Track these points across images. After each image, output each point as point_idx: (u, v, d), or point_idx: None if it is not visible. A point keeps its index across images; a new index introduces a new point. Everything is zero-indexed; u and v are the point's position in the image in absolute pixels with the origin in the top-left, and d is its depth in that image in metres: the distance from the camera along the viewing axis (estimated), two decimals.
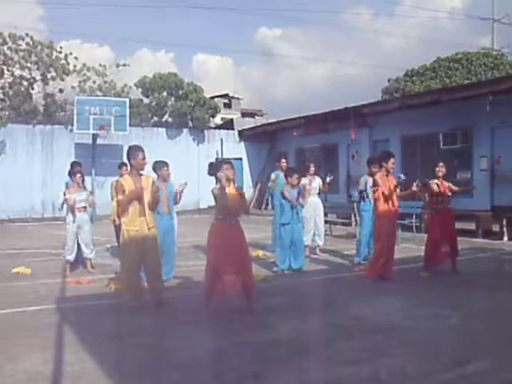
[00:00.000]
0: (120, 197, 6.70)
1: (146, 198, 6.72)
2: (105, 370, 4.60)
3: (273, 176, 10.73)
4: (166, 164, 8.42)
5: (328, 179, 11.32)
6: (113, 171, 13.62)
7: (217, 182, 6.47)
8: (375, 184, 8.46)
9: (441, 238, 8.79)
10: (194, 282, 8.20)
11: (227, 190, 6.40)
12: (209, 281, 6.44)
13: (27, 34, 25.60)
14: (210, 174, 6.65)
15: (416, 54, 68.74)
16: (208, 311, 6.48)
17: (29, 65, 25.65)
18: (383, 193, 8.30)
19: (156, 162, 8.41)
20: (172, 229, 8.44)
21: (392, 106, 18.66)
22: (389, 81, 32.94)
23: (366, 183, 9.88)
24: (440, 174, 8.88)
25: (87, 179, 12.70)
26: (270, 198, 9.58)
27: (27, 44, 25.47)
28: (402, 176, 8.76)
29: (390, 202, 8.37)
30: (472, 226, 13.61)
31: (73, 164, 10.03)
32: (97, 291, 7.86)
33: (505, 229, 13.09)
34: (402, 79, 31.99)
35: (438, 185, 8.83)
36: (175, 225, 8.74)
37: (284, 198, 9.15)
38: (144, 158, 6.79)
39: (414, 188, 8.56)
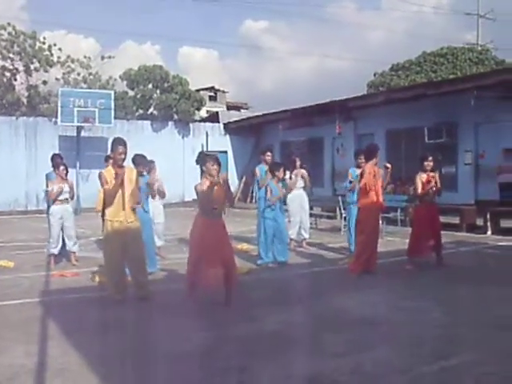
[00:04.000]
0: (106, 186, 6.68)
1: (127, 191, 6.71)
2: (89, 362, 4.58)
3: (257, 170, 10.40)
4: (145, 160, 8.41)
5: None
6: (97, 164, 13.54)
7: (202, 173, 6.51)
8: (362, 175, 8.47)
9: (425, 231, 8.83)
10: (178, 275, 8.18)
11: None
12: (190, 274, 6.56)
13: (9, 24, 25.29)
14: (196, 162, 6.70)
15: (401, 49, 69.04)
16: (193, 304, 6.48)
17: (11, 55, 25.34)
18: (368, 184, 8.29)
19: (136, 156, 8.38)
20: (148, 221, 8.38)
21: (377, 100, 18.70)
22: (374, 75, 33.05)
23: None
24: (429, 168, 8.92)
25: (71, 172, 12.61)
26: (256, 191, 9.47)
27: (9, 34, 25.14)
28: (388, 164, 8.66)
29: (375, 195, 8.37)
30: (456, 219, 13.69)
31: (53, 156, 9.95)
32: (81, 284, 7.82)
33: (488, 223, 13.17)
34: (388, 73, 32.12)
35: (423, 182, 8.84)
36: (151, 216, 8.78)
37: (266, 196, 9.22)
38: (122, 153, 6.74)
39: (388, 165, 8.53)
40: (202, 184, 6.45)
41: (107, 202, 6.77)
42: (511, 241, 11.90)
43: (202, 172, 6.60)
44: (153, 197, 8.89)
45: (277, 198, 9.18)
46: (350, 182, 10.05)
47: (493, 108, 15.58)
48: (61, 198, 9.33)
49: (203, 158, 6.70)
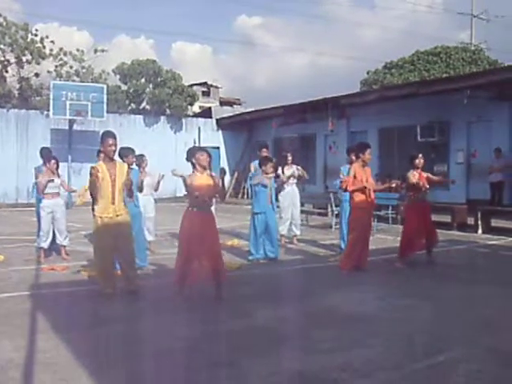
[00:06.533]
0: (96, 181, 6.63)
1: (117, 185, 6.66)
2: (78, 357, 4.55)
3: (252, 166, 10.49)
4: (132, 151, 8.33)
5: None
6: (89, 158, 13.49)
7: (193, 169, 6.52)
8: (348, 174, 8.49)
9: (417, 229, 8.85)
10: (168, 269, 8.15)
11: (200, 179, 6.45)
12: (180, 267, 6.56)
13: (0, 15, 25.13)
14: (187, 159, 6.70)
15: (395, 47, 69.16)
16: (182, 299, 6.47)
17: (2, 46, 25.15)
18: (354, 183, 8.30)
19: (122, 149, 8.27)
20: (138, 216, 8.34)
21: (370, 98, 18.73)
22: (368, 73, 33.05)
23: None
24: (420, 166, 8.94)
25: (63, 165, 12.56)
26: (250, 188, 9.53)
27: (0, 25, 24.95)
28: (394, 184, 8.77)
29: (366, 193, 8.38)
30: (447, 218, 13.73)
31: (42, 150, 9.89)
32: (71, 278, 7.79)
33: (479, 222, 13.23)
34: (381, 71, 32.13)
35: (416, 177, 8.86)
36: (142, 211, 8.76)
37: (256, 184, 9.27)
38: (112, 145, 6.69)
39: (393, 185, 8.63)
40: (192, 176, 6.48)
41: (96, 197, 6.72)
42: (501, 240, 11.96)
43: (194, 167, 6.59)
44: (140, 191, 8.84)
45: (262, 179, 9.22)
46: (341, 181, 10.07)
47: (485, 107, 15.65)
48: (51, 191, 9.27)
49: (193, 151, 6.70)
